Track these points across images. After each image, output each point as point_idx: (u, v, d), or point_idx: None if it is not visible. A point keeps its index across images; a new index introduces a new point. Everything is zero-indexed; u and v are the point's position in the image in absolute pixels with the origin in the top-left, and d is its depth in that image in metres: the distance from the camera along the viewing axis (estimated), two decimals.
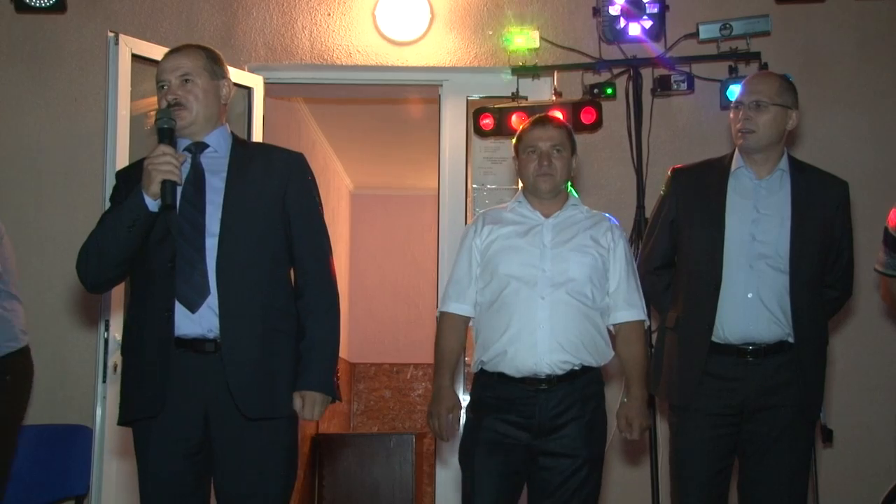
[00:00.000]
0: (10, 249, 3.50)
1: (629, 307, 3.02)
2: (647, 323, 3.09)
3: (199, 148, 2.67)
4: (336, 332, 2.69)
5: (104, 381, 3.83)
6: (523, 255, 2.96)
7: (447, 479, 4.56)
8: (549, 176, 3.00)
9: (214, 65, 2.72)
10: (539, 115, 3.22)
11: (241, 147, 2.75)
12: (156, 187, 2.49)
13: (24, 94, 4.52)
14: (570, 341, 2.90)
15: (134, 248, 2.55)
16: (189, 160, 2.65)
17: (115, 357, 3.87)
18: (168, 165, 2.50)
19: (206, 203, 2.60)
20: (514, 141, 3.13)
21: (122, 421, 2.62)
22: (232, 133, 2.77)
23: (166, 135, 2.57)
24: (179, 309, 2.53)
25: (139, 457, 2.60)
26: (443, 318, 3.08)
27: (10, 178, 4.47)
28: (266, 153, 2.76)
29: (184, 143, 2.68)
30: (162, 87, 2.68)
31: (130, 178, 2.64)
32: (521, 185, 3.17)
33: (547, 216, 3.02)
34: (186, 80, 2.66)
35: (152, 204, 2.51)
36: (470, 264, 3.05)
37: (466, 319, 3.06)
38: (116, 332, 3.88)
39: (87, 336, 4.16)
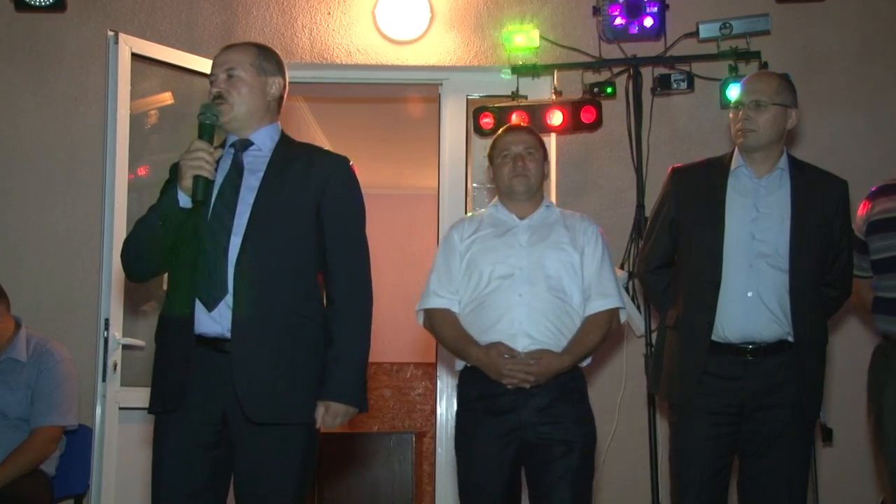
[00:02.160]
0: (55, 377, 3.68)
1: (600, 297, 3.07)
2: (626, 312, 3.14)
3: (243, 145, 2.66)
4: (366, 342, 2.64)
5: (104, 381, 3.83)
6: (500, 255, 3.05)
7: (447, 479, 4.56)
8: (523, 177, 3.12)
9: (264, 61, 2.70)
10: (510, 124, 3.41)
11: (286, 147, 2.71)
12: (188, 182, 2.49)
13: (24, 93, 4.52)
14: (549, 337, 2.97)
15: (166, 242, 2.55)
16: (231, 157, 2.64)
17: (115, 356, 3.87)
18: (200, 161, 2.49)
19: (238, 202, 2.58)
20: (488, 150, 3.26)
21: (149, 410, 2.63)
22: (282, 132, 2.74)
23: (206, 130, 2.57)
24: (200, 306, 2.53)
25: (154, 448, 2.60)
26: (430, 315, 3.13)
27: (10, 177, 4.47)
28: (309, 155, 2.72)
29: (231, 138, 2.68)
30: (212, 81, 2.68)
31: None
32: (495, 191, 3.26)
33: (522, 218, 3.13)
34: (231, 75, 2.65)
35: (183, 199, 2.51)
36: (451, 262, 3.12)
37: (453, 313, 3.10)
38: (116, 332, 3.89)
39: (87, 336, 4.15)
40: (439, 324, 3.11)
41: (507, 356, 2.93)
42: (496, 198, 3.24)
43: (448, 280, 3.11)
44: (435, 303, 3.11)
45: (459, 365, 3.12)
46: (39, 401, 3.57)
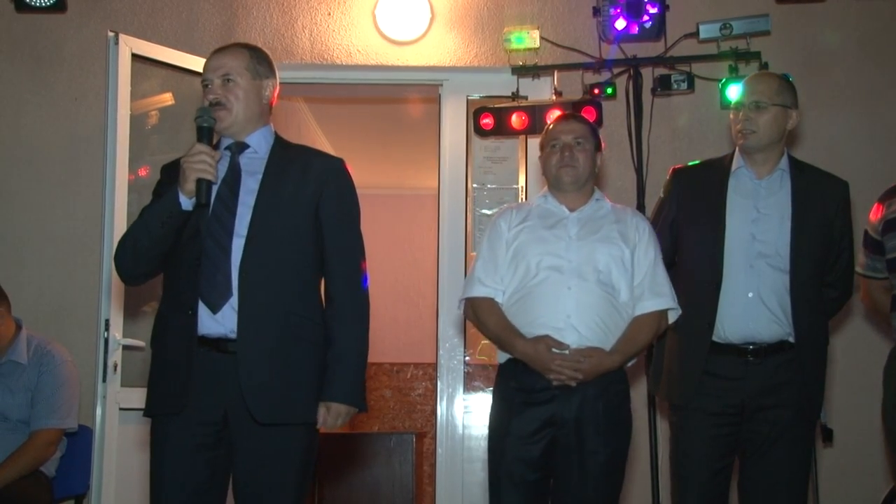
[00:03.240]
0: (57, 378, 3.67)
1: (654, 296, 3.00)
2: (679, 312, 3.06)
3: (239, 148, 2.67)
4: (364, 341, 2.65)
5: (104, 381, 3.84)
6: (549, 246, 2.98)
7: (447, 479, 4.56)
8: (570, 167, 3.04)
9: (258, 64, 2.71)
10: (565, 113, 3.29)
11: (282, 149, 2.73)
12: (190, 185, 2.50)
13: (25, 94, 4.52)
14: (597, 333, 2.91)
15: (166, 244, 2.57)
16: (228, 160, 2.65)
17: (115, 357, 3.87)
18: (203, 164, 2.50)
19: (238, 204, 2.59)
20: (540, 140, 3.18)
21: (147, 412, 2.63)
22: (276, 134, 2.76)
23: (205, 133, 2.58)
24: (203, 308, 2.53)
25: (154, 449, 2.60)
26: (473, 305, 3.05)
27: (11, 177, 4.47)
28: (305, 157, 2.74)
29: (226, 141, 2.69)
30: (206, 85, 2.69)
31: (173, 173, 2.64)
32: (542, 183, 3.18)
33: (572, 210, 3.06)
34: (228, 80, 2.66)
35: (185, 202, 2.52)
36: (497, 251, 3.04)
37: (497, 303, 3.02)
38: (116, 332, 3.89)
39: (87, 336, 4.15)
40: (484, 313, 3.02)
41: (555, 351, 2.86)
42: (545, 188, 3.16)
43: (493, 268, 3.03)
44: (479, 291, 3.03)
45: (502, 357, 3.03)
46: (39, 403, 3.57)
